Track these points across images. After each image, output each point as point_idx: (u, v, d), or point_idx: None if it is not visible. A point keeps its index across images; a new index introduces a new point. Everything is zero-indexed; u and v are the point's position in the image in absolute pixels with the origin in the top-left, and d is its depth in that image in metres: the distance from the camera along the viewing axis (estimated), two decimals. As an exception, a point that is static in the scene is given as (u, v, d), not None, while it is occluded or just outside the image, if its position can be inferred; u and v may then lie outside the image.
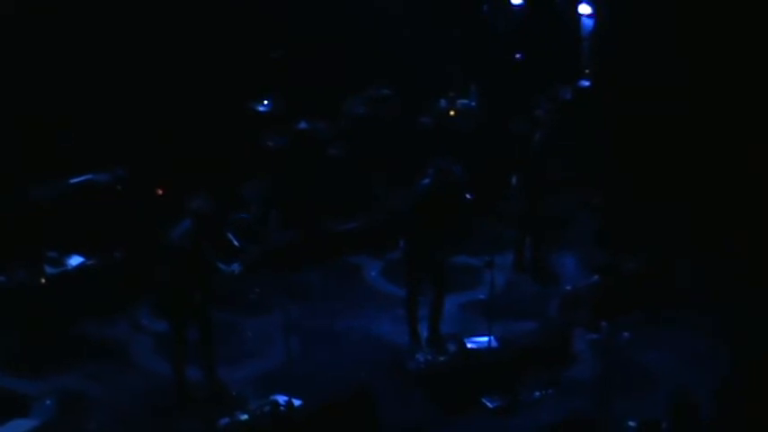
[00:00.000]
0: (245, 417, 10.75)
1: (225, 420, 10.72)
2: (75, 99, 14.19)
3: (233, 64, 15.36)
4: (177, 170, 13.93)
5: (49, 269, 12.60)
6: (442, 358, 11.99)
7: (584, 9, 16.29)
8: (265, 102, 15.40)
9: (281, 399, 10.95)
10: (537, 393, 11.58)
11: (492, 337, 11.83)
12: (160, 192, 13.50)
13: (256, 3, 15.56)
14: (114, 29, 14.48)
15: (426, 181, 11.89)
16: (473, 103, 16.05)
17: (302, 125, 15.01)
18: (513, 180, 13.88)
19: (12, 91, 13.75)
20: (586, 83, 16.30)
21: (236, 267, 11.30)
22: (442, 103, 15.95)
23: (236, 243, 11.42)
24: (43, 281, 12.46)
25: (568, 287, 12.98)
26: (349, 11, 16.10)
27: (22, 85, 13.84)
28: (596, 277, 13.05)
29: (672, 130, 14.81)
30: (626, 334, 12.24)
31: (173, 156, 14.30)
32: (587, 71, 16.34)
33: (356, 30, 16.10)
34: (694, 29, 14.70)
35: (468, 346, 12.15)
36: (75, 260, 12.83)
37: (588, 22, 16.31)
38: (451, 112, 15.82)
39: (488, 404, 11.36)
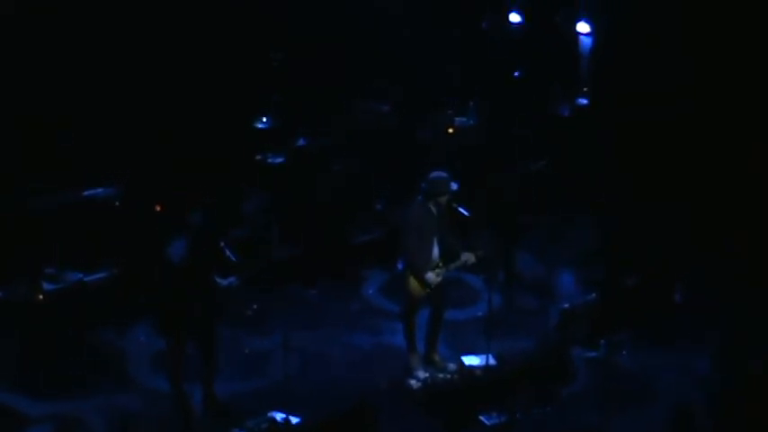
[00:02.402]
0: (242, 433, 10.77)
1: (223, 437, 10.74)
2: (75, 99, 14.22)
3: (234, 64, 15.41)
4: (176, 184, 13.94)
5: (46, 285, 12.56)
6: (440, 375, 12.02)
7: (583, 27, 16.27)
8: (264, 119, 15.43)
9: (279, 416, 10.95)
10: (535, 411, 11.55)
11: (490, 355, 11.81)
12: (158, 208, 13.50)
13: (256, 3, 15.59)
14: (115, 29, 14.52)
15: (419, 198, 11.86)
16: (471, 121, 16.07)
17: (301, 142, 15.03)
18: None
19: (12, 91, 13.78)
20: (584, 101, 16.31)
21: (232, 281, 11.28)
22: (441, 120, 15.98)
23: (232, 258, 11.36)
24: (41, 297, 12.44)
25: (566, 304, 12.96)
26: (349, 11, 16.14)
27: (22, 85, 13.87)
28: (594, 294, 13.05)
29: (672, 131, 14.88)
30: (624, 352, 12.26)
31: (172, 165, 14.32)
32: (585, 89, 16.35)
33: (356, 30, 16.13)
34: (693, 33, 14.77)
35: (466, 363, 12.21)
36: (73, 276, 12.79)
37: (586, 41, 16.31)
38: (450, 130, 15.84)
39: (485, 421, 11.34)
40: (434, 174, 11.76)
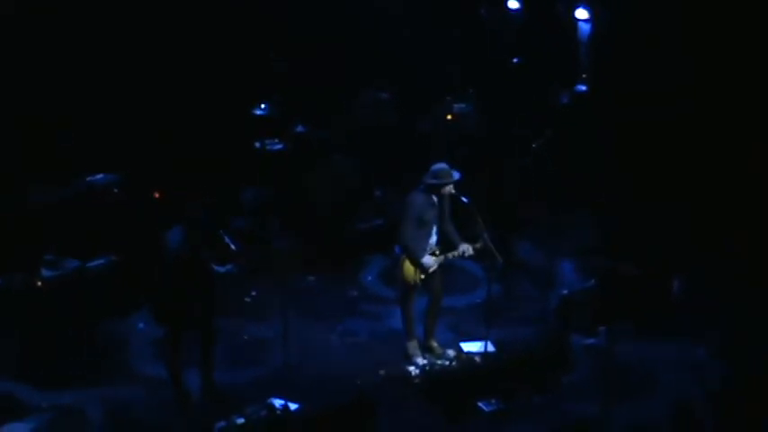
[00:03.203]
0: (241, 420, 10.71)
1: (221, 424, 10.67)
2: (75, 99, 14.24)
3: (233, 64, 15.44)
4: (176, 174, 13.96)
5: (45, 272, 12.53)
6: (439, 362, 12.01)
7: (582, 14, 16.31)
8: (262, 106, 15.44)
9: (278, 402, 10.93)
10: (534, 398, 11.52)
11: (489, 342, 11.79)
12: (157, 195, 13.51)
13: (256, 3, 15.64)
14: (114, 29, 14.57)
15: (421, 187, 11.87)
16: (471, 108, 16.08)
17: (299, 129, 15.02)
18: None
19: (12, 91, 13.80)
20: (583, 87, 16.32)
21: (230, 269, 11.26)
22: (441, 107, 15.98)
23: (233, 246, 11.34)
24: (39, 284, 12.41)
25: (566, 291, 12.95)
26: (349, 11, 16.19)
27: (22, 85, 13.90)
28: (593, 282, 13.02)
29: (672, 131, 14.88)
30: (623, 338, 12.23)
31: (172, 159, 14.34)
32: (584, 76, 16.37)
33: (356, 30, 16.18)
34: (693, 32, 14.78)
35: (465, 350, 12.20)
36: (72, 263, 12.75)
37: (585, 27, 16.34)
38: (449, 117, 15.85)
39: (484, 408, 11.30)
40: (436, 165, 11.79)
